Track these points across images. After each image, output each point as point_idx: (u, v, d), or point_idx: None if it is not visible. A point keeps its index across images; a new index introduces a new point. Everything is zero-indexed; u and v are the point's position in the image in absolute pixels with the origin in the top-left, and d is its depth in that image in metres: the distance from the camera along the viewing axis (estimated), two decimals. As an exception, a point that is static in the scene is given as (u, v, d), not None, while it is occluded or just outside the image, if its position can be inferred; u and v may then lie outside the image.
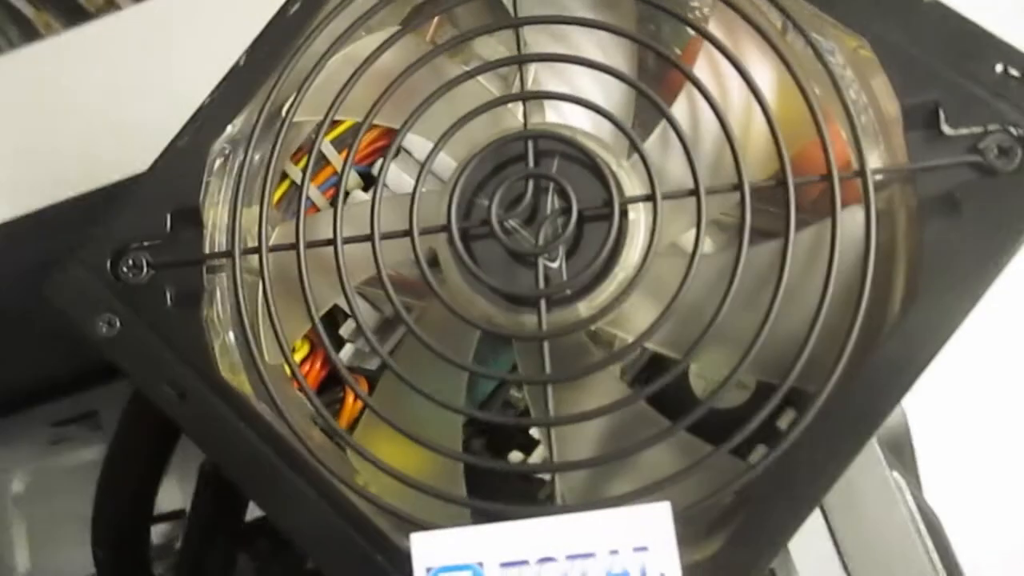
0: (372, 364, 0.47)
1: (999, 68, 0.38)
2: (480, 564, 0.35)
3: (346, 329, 0.46)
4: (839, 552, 0.49)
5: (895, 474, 0.50)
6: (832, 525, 0.50)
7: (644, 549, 0.34)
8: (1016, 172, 0.36)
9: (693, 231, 0.37)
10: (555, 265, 0.38)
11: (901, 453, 0.53)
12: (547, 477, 0.44)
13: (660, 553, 0.34)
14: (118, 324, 0.40)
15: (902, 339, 0.36)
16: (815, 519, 0.50)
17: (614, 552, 0.35)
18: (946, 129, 0.37)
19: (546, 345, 0.37)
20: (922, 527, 0.49)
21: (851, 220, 0.37)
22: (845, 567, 0.49)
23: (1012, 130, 0.37)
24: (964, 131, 0.37)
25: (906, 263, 0.38)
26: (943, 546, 0.50)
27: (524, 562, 0.35)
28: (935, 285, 0.36)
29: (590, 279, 0.38)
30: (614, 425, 0.39)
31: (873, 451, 0.50)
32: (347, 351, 0.46)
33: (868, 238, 0.36)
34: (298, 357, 0.46)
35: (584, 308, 0.38)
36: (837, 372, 0.36)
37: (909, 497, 0.50)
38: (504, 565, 0.35)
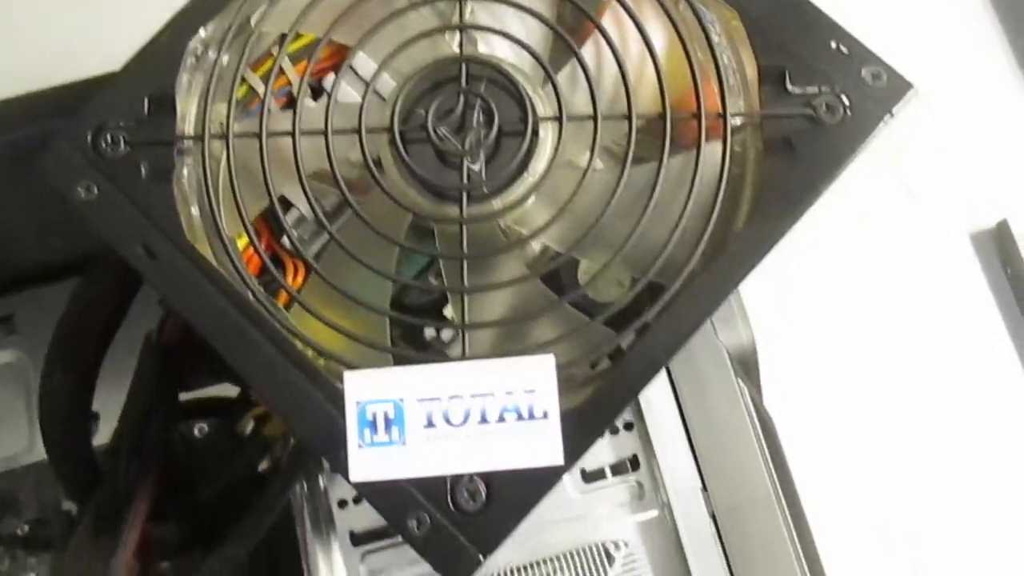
0: (310, 252, 0.54)
1: (832, 44, 0.48)
2: (401, 399, 0.43)
3: (290, 217, 0.53)
4: (691, 444, 0.59)
5: (740, 382, 0.61)
6: (687, 421, 0.60)
7: (532, 391, 0.43)
8: (838, 124, 0.47)
9: (588, 152, 0.47)
10: (476, 167, 0.46)
11: (748, 369, 0.63)
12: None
13: (544, 395, 0.43)
14: (96, 191, 0.47)
15: (742, 243, 0.46)
16: (673, 418, 0.60)
17: (509, 393, 0.43)
18: (789, 87, 0.48)
19: (465, 229, 0.46)
20: (759, 426, 0.60)
21: (712, 152, 0.47)
22: (695, 457, 0.59)
23: (838, 93, 0.47)
24: (801, 90, 0.48)
25: (751, 190, 0.48)
26: (774, 444, 0.61)
27: (437, 399, 0.43)
28: (771, 206, 0.46)
29: (504, 181, 0.46)
30: (516, 303, 0.47)
31: (724, 361, 0.61)
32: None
33: (723, 163, 0.46)
34: (242, 244, 0.53)
35: (497, 203, 0.47)
36: (690, 266, 0.45)
37: (750, 401, 0.61)
38: (420, 400, 0.43)
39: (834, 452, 0.64)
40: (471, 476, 0.42)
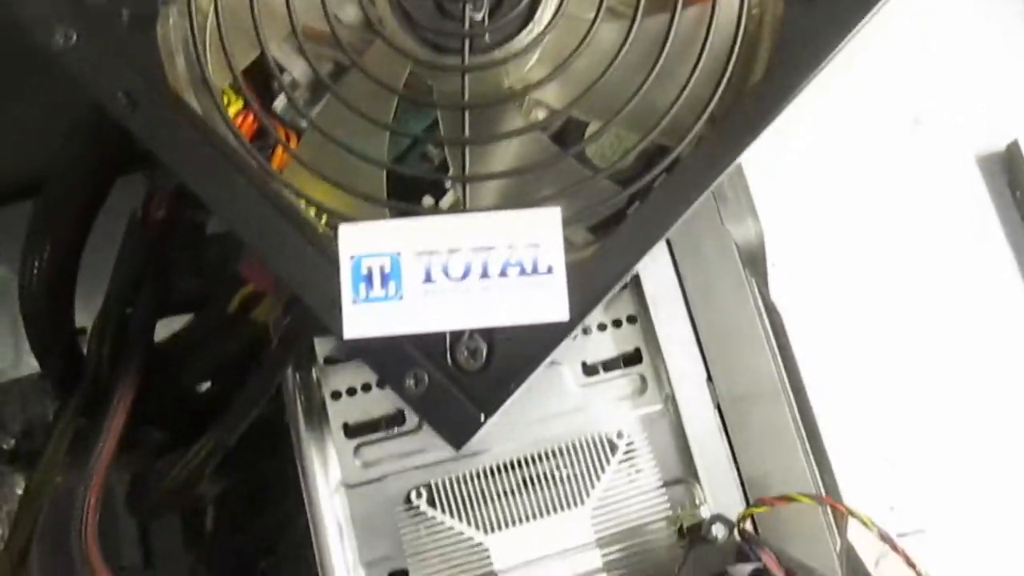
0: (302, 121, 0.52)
1: None
2: (398, 252, 0.41)
3: (285, 77, 0.50)
4: (697, 336, 0.57)
5: (747, 274, 0.59)
6: (693, 313, 0.58)
7: (536, 245, 0.41)
8: (858, -23, 0.45)
9: (593, 11, 0.44)
10: (479, 16, 0.44)
11: (755, 263, 0.61)
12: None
13: (549, 249, 0.41)
14: (75, 38, 0.44)
15: (757, 98, 0.44)
16: (679, 309, 0.58)
17: (511, 246, 0.41)
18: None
19: (466, 79, 0.43)
20: (766, 318, 0.58)
21: (729, 4, 0.45)
22: (701, 349, 0.57)
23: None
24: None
25: (768, 47, 0.46)
26: (781, 336, 0.59)
27: (435, 252, 0.41)
28: (790, 58, 0.44)
29: (507, 32, 0.44)
30: (520, 153, 0.45)
31: (732, 252, 0.59)
32: (280, 101, 0.51)
33: (740, 14, 0.44)
34: (233, 110, 0.50)
35: (500, 54, 0.44)
36: (698, 127, 0.43)
37: (757, 293, 0.59)
38: (419, 253, 0.41)
39: (840, 349, 0.62)
40: (471, 333, 0.40)
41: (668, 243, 0.59)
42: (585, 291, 0.41)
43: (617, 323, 0.59)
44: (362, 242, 0.41)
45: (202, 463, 0.53)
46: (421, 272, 0.40)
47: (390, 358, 0.40)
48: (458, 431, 0.40)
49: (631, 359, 0.59)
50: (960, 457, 0.61)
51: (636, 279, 0.59)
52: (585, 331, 0.59)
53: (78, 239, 0.54)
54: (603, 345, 0.59)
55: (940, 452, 0.61)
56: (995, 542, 0.58)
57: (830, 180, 0.77)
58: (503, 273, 0.40)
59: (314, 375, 0.59)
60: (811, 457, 0.55)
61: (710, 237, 0.59)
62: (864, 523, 0.48)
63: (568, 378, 0.59)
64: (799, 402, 0.57)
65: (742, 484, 0.55)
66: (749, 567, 0.50)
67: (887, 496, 0.56)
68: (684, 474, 0.56)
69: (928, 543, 0.52)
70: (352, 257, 0.41)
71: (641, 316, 0.59)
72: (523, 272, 0.40)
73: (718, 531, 0.49)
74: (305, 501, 0.57)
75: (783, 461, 0.55)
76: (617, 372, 0.59)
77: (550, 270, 0.40)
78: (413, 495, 0.54)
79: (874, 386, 0.64)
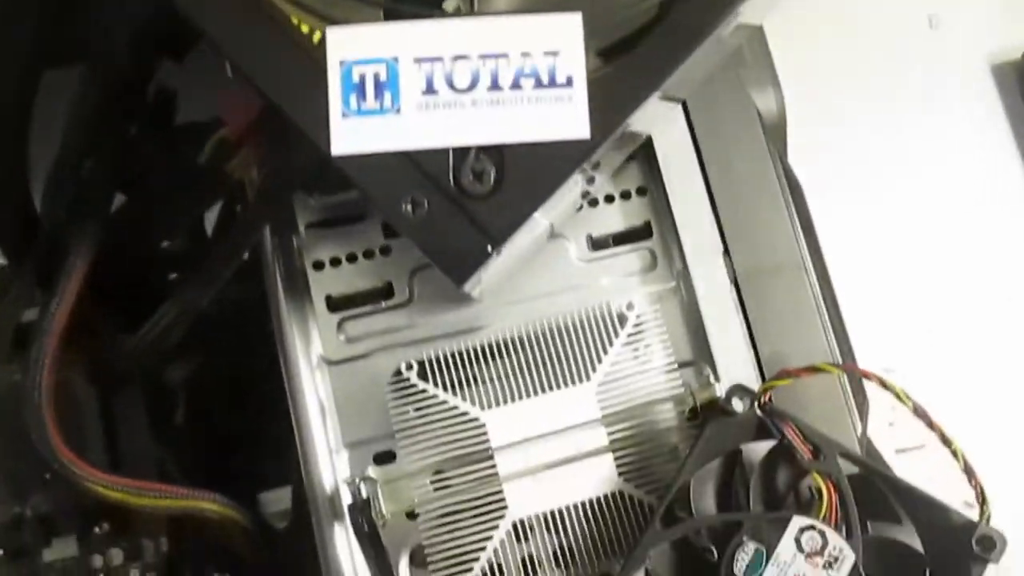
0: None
1: None
2: (395, 58, 0.36)
3: None
4: (713, 207, 0.53)
5: (769, 143, 0.54)
6: (710, 183, 0.53)
7: (554, 53, 0.36)
8: None
9: None
10: None
11: (777, 135, 0.57)
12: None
13: (569, 58, 0.36)
14: None
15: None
16: (695, 179, 0.53)
17: (526, 54, 0.36)
18: None
19: None
20: (787, 189, 0.54)
21: None
22: (718, 220, 0.53)
23: None
24: None
25: None
26: (803, 208, 0.55)
27: (439, 59, 0.36)
28: None
29: None
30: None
31: (753, 119, 0.54)
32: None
33: None
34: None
35: None
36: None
37: (779, 163, 0.54)
38: (419, 60, 0.36)
39: (857, 233, 0.58)
40: (478, 152, 0.35)
41: (685, 108, 0.54)
42: (608, 108, 0.36)
43: (626, 195, 0.55)
44: (354, 46, 0.35)
45: (169, 327, 0.48)
46: (421, 81, 0.35)
47: (384, 178, 0.35)
48: (461, 263, 0.35)
49: (640, 233, 0.54)
50: (972, 328, 0.58)
51: (648, 147, 0.54)
52: (592, 203, 0.55)
53: (30, 76, 0.48)
54: (610, 218, 0.55)
55: (955, 327, 0.58)
56: (996, 459, 0.54)
57: (847, 72, 0.72)
58: (516, 84, 0.35)
59: (295, 243, 0.54)
60: (832, 335, 0.51)
61: (730, 103, 0.54)
62: (899, 396, 0.44)
63: (572, 252, 0.54)
64: (820, 278, 0.52)
65: (758, 363, 0.51)
66: (767, 444, 0.46)
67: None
68: (695, 356, 0.52)
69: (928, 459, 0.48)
70: (342, 63, 0.35)
71: (652, 187, 0.55)
72: (539, 84, 0.35)
73: (738, 403, 0.45)
74: (284, 379, 0.52)
75: (803, 339, 0.51)
76: (625, 247, 0.54)
77: (569, 82, 0.35)
78: (403, 367, 0.49)
79: (893, 260, 0.60)
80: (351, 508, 0.46)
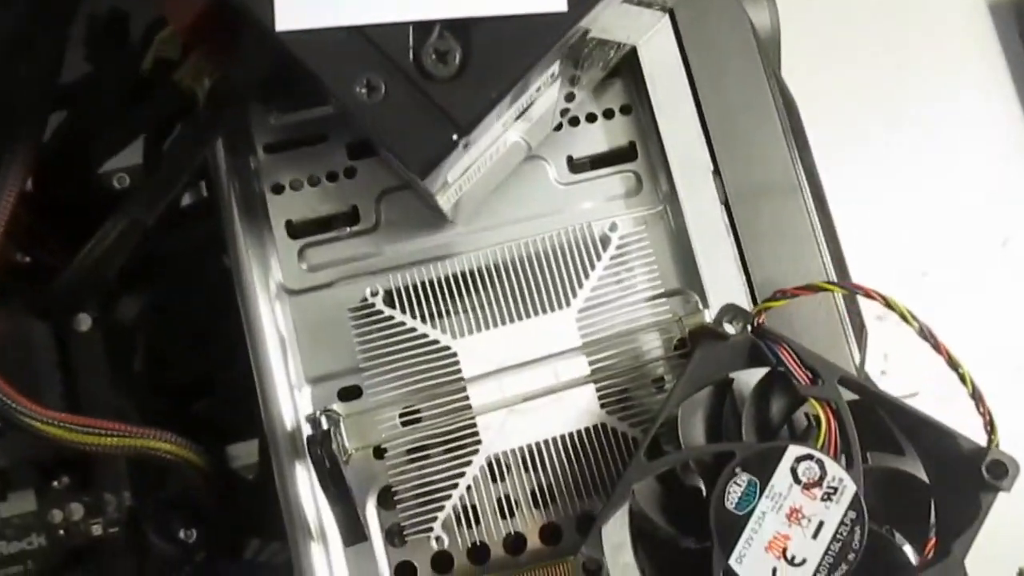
0: None
1: None
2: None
3: None
4: (703, 124, 0.49)
5: (763, 59, 0.50)
6: (700, 99, 0.50)
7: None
8: None
9: None
10: None
11: (770, 52, 0.53)
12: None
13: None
14: None
15: None
16: (684, 96, 0.49)
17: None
18: None
19: None
20: (780, 101, 0.50)
21: None
22: (708, 138, 0.49)
23: None
24: None
25: None
26: (798, 126, 0.51)
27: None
28: None
29: None
30: None
31: (747, 32, 0.50)
32: None
33: None
34: None
35: None
36: None
37: (772, 76, 0.50)
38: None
39: (855, 166, 0.55)
40: (442, 28, 0.31)
41: (673, 20, 0.50)
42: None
43: (609, 113, 0.51)
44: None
45: (116, 244, 0.44)
46: (377, -53, 0.31)
47: (335, 59, 0.31)
48: (423, 153, 0.32)
49: (624, 155, 0.51)
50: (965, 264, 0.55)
51: (633, 62, 0.50)
52: (572, 121, 0.51)
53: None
54: (592, 138, 0.51)
55: (946, 258, 0.54)
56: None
57: (845, 11, 0.69)
58: (483, -49, 0.31)
59: (252, 165, 0.50)
60: (827, 260, 0.48)
61: (722, 14, 0.51)
62: (904, 316, 0.41)
63: (551, 175, 0.50)
64: (816, 200, 0.49)
65: (751, 289, 0.48)
66: (758, 373, 0.43)
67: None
68: (682, 283, 0.49)
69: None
70: None
71: (637, 105, 0.51)
72: (508, -50, 0.31)
73: (730, 326, 0.42)
74: (240, 310, 0.48)
75: (798, 264, 0.48)
76: (608, 169, 0.51)
77: (544, -53, 0.31)
78: (368, 293, 0.45)
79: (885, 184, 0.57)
80: (311, 441, 0.42)
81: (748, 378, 0.44)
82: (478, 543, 0.46)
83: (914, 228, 0.63)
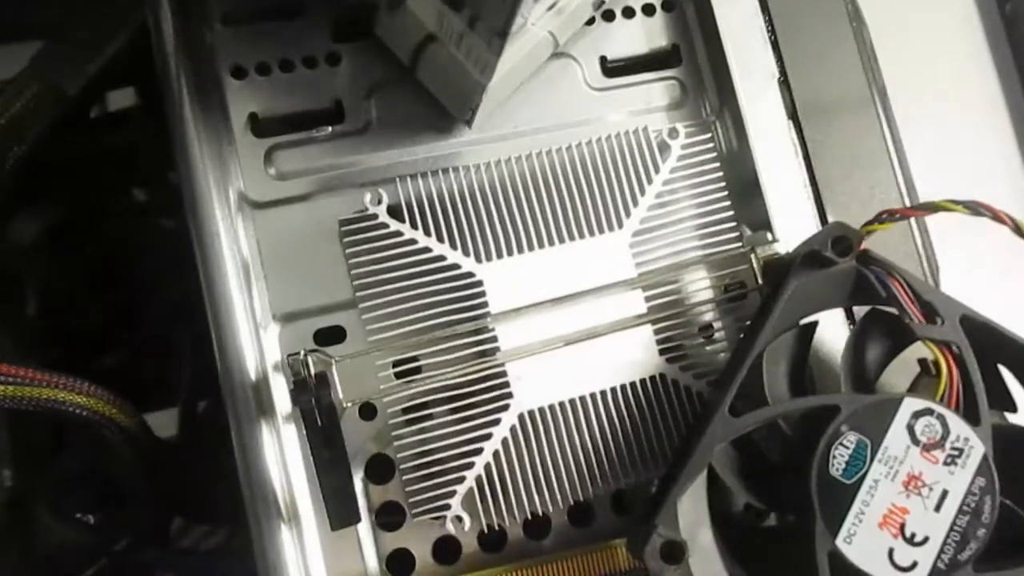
0: None
1: None
2: None
3: None
4: (771, 28, 0.41)
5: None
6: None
7: None
8: None
9: None
10: None
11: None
12: None
13: None
14: None
15: None
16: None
17: None
18: None
19: None
20: (851, 7, 0.43)
21: None
22: (775, 44, 0.41)
23: None
24: None
25: None
26: (867, 35, 0.44)
27: None
28: None
29: None
30: None
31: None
32: None
33: None
34: None
35: None
36: None
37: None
38: None
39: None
40: None
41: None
42: None
43: (649, 9, 0.43)
44: None
45: (26, 112, 0.32)
46: None
47: None
48: None
49: (666, 58, 0.42)
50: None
51: (680, -53, 0.42)
52: (606, 15, 0.42)
53: None
54: (630, 37, 0.42)
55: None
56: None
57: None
58: None
59: (207, 39, 0.39)
60: (901, 176, 0.41)
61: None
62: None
63: (581, 77, 0.41)
64: (887, 116, 0.42)
65: (822, 217, 0.40)
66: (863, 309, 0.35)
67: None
68: (736, 213, 0.40)
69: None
70: None
71: (683, 2, 0.42)
72: None
73: (835, 251, 0.33)
74: (190, 227, 0.37)
75: (875, 188, 0.40)
76: (648, 75, 0.42)
77: None
78: (367, 199, 0.35)
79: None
80: (299, 390, 0.31)
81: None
82: (494, 526, 0.36)
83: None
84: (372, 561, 0.36)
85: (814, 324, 0.36)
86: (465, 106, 0.36)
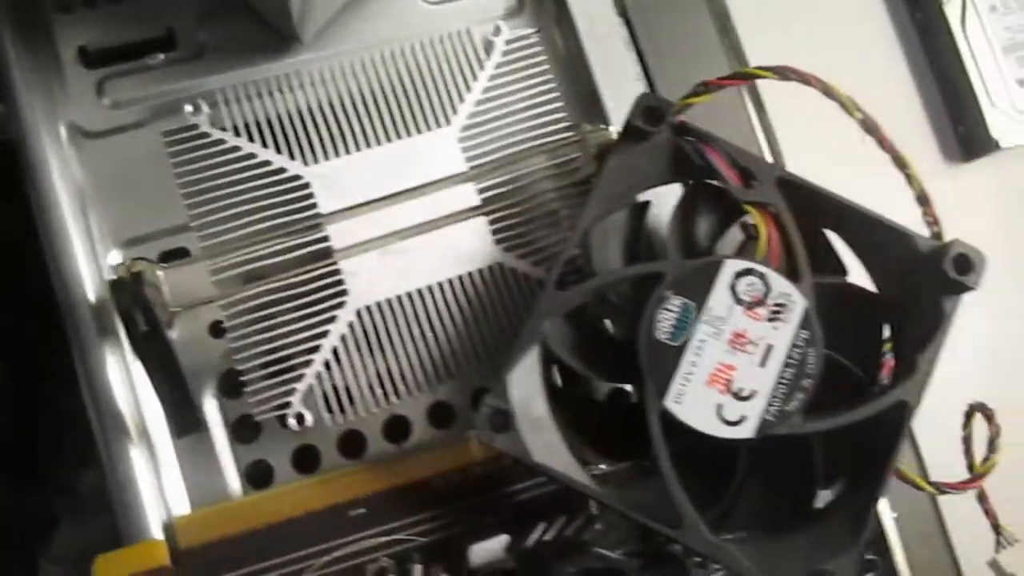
0: None
1: None
2: None
3: None
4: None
5: None
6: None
7: None
8: None
9: None
10: None
11: None
12: None
13: None
14: None
15: None
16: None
17: None
18: None
19: None
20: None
21: None
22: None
23: None
24: None
25: None
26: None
27: None
28: None
29: None
30: None
31: None
32: None
33: None
34: None
35: None
36: None
37: None
38: None
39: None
40: None
41: None
42: None
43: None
44: None
45: None
46: None
47: None
48: None
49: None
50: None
51: None
52: (435, -77, 0.42)
53: None
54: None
55: None
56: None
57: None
58: None
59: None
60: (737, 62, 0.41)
61: None
62: (846, 106, 0.35)
63: (414, -7, 0.42)
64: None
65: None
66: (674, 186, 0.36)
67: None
68: (579, 112, 0.41)
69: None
70: None
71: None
72: None
73: (647, 122, 0.34)
74: (21, 159, 0.37)
75: (703, 64, 0.41)
76: (483, -16, 0.42)
77: None
78: (189, 110, 0.35)
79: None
80: (117, 292, 0.32)
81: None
82: (351, 431, 0.36)
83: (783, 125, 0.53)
84: (231, 474, 0.36)
85: (646, 203, 0.37)
86: (286, 18, 0.37)
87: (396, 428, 0.37)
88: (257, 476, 0.36)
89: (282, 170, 0.35)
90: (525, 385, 0.33)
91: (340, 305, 0.35)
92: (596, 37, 0.41)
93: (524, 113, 0.38)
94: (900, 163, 0.35)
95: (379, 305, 0.35)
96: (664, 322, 0.33)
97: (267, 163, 0.35)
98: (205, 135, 0.35)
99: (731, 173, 0.34)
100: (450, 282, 0.36)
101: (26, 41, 0.38)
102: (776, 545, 0.33)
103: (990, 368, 0.44)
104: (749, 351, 0.33)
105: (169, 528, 0.34)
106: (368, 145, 0.36)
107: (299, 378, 0.34)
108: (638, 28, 0.41)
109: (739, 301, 0.33)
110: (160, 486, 0.35)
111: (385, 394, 0.35)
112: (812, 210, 0.35)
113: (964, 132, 0.49)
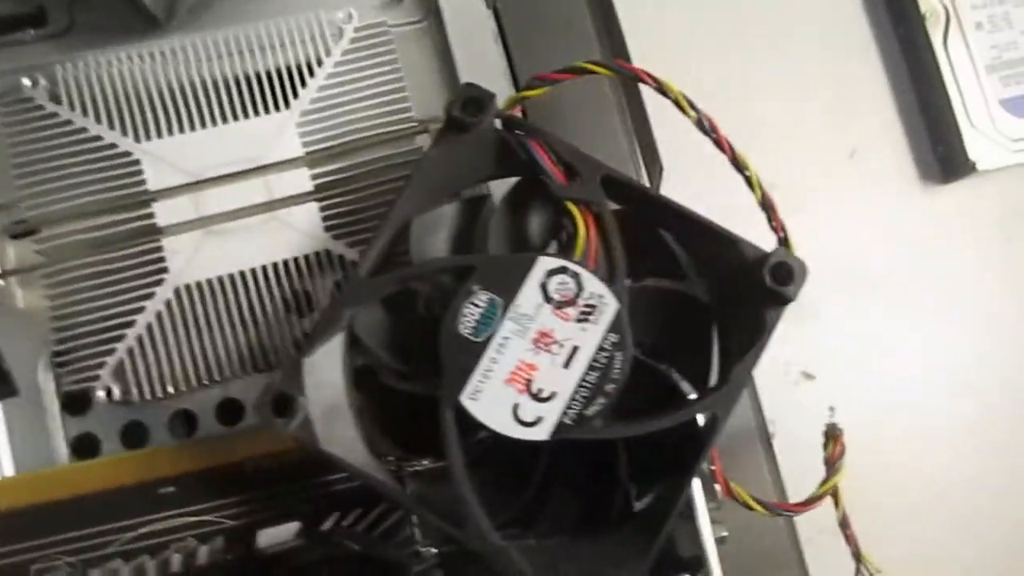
0: None
1: None
2: None
3: None
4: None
5: None
6: None
7: None
8: None
9: None
10: None
11: None
12: None
13: None
14: None
15: None
16: None
17: None
18: None
19: None
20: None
21: None
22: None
23: None
24: None
25: None
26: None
27: None
28: None
29: None
30: None
31: None
32: None
33: None
34: None
35: None
36: None
37: None
38: None
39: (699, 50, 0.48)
40: None
41: None
42: None
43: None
44: None
45: None
46: None
47: None
48: None
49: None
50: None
51: None
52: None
53: None
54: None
55: None
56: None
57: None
58: None
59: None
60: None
61: None
62: (681, 105, 0.33)
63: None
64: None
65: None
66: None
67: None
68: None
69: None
70: None
71: None
72: None
73: (468, 113, 0.33)
74: None
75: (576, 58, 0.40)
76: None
77: None
78: (24, 82, 0.36)
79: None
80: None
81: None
82: (181, 410, 0.36)
83: (763, 141, 0.53)
84: (59, 445, 0.36)
85: (482, 198, 0.36)
86: (150, 16, 0.37)
87: (229, 410, 0.37)
88: (83, 448, 0.36)
89: (113, 145, 0.35)
90: (326, 371, 0.32)
91: (159, 283, 0.35)
92: (462, 29, 0.40)
93: (367, 102, 0.37)
94: (738, 165, 0.34)
95: (199, 285, 0.35)
96: (469, 316, 0.32)
97: (98, 138, 0.35)
98: (39, 107, 0.35)
99: (555, 169, 0.33)
100: (274, 266, 0.35)
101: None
102: (572, 551, 0.32)
103: (954, 388, 0.43)
104: (554, 351, 0.32)
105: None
106: (204, 126, 0.36)
107: (111, 352, 0.34)
108: (507, 21, 0.40)
109: (549, 300, 0.32)
110: (-17, 450, 0.35)
111: (207, 375, 0.35)
112: (645, 212, 0.34)
113: (942, 152, 0.47)
